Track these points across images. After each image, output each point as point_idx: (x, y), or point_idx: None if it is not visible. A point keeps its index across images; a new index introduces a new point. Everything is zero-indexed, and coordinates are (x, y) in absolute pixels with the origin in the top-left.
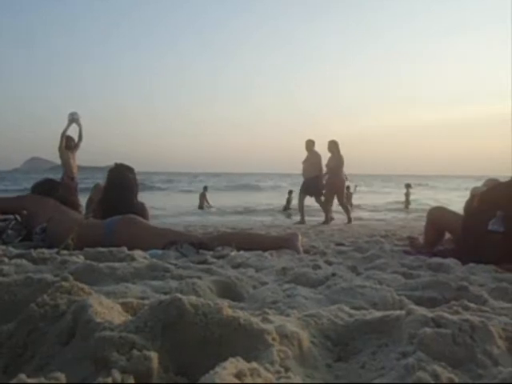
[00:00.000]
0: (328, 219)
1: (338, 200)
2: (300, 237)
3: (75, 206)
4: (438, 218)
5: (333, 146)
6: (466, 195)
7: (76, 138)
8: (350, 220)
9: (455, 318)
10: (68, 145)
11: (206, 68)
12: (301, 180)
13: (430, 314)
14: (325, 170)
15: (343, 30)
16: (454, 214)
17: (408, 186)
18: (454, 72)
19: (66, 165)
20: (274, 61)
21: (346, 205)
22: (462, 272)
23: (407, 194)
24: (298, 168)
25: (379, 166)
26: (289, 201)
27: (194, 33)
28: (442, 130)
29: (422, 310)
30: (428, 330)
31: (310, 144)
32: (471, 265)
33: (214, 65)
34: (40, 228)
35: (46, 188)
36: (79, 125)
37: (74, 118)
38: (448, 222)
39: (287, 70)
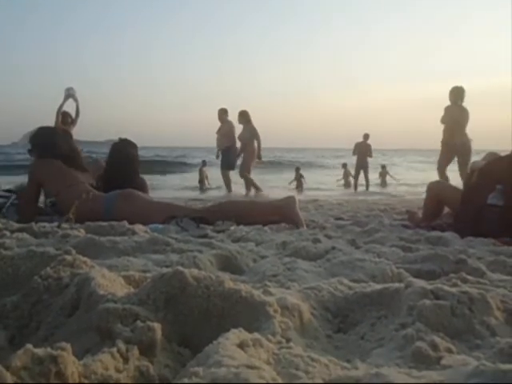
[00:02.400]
0: (249, 191)
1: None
2: (297, 200)
3: (82, 168)
4: (437, 192)
5: (241, 118)
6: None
7: (73, 114)
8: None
9: (454, 290)
10: (64, 121)
11: (211, 40)
12: None
13: (429, 287)
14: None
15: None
16: (453, 187)
17: (383, 166)
18: (475, 44)
19: None
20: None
21: (249, 179)
22: (460, 245)
23: (382, 174)
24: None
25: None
26: (296, 178)
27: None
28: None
29: (420, 283)
30: (427, 301)
31: (221, 113)
32: (470, 238)
33: (220, 37)
34: (50, 201)
35: (48, 146)
36: (76, 100)
37: (70, 94)
38: (447, 196)
39: (291, 42)
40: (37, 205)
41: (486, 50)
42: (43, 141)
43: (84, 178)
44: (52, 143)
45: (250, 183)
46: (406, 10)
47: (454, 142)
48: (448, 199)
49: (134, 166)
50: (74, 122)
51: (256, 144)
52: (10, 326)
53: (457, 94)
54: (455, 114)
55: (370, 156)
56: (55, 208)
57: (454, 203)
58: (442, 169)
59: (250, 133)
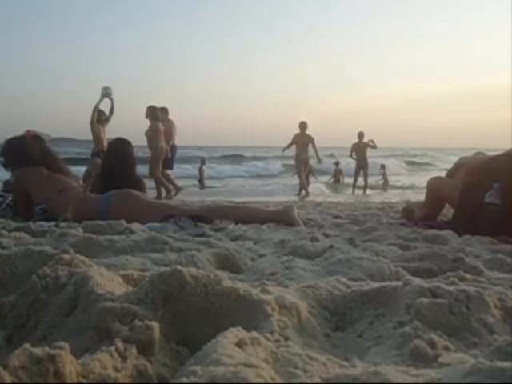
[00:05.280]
0: (166, 192)
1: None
2: (296, 209)
3: (64, 171)
4: (436, 188)
5: (147, 113)
6: None
7: (107, 112)
8: (159, 196)
9: (451, 288)
10: (99, 118)
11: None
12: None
13: (427, 285)
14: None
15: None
16: (453, 184)
17: (382, 166)
18: (475, 43)
19: (97, 139)
20: (275, 33)
21: (160, 178)
22: (458, 243)
23: (384, 174)
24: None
25: (387, 138)
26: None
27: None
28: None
29: (418, 281)
30: (425, 299)
31: (163, 113)
32: (467, 236)
33: (216, 35)
34: (40, 208)
35: (20, 157)
36: (111, 99)
37: (107, 93)
38: (445, 192)
39: (289, 41)
40: (31, 209)
41: (485, 50)
42: (13, 153)
43: (73, 181)
44: (22, 154)
45: (159, 184)
46: (406, 9)
47: (303, 156)
48: (446, 195)
49: (130, 163)
50: (107, 119)
51: (163, 143)
52: (7, 325)
53: (304, 126)
54: (303, 139)
55: (375, 147)
56: (46, 215)
57: (452, 199)
58: (300, 169)
59: (152, 130)
